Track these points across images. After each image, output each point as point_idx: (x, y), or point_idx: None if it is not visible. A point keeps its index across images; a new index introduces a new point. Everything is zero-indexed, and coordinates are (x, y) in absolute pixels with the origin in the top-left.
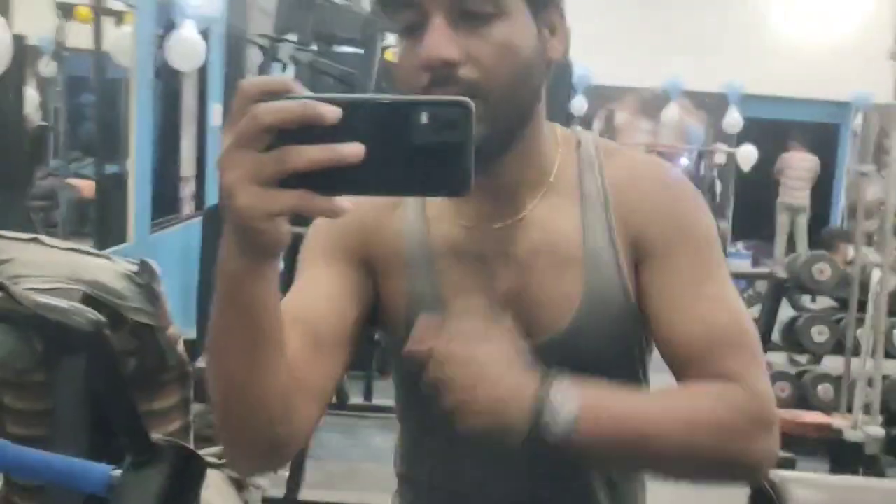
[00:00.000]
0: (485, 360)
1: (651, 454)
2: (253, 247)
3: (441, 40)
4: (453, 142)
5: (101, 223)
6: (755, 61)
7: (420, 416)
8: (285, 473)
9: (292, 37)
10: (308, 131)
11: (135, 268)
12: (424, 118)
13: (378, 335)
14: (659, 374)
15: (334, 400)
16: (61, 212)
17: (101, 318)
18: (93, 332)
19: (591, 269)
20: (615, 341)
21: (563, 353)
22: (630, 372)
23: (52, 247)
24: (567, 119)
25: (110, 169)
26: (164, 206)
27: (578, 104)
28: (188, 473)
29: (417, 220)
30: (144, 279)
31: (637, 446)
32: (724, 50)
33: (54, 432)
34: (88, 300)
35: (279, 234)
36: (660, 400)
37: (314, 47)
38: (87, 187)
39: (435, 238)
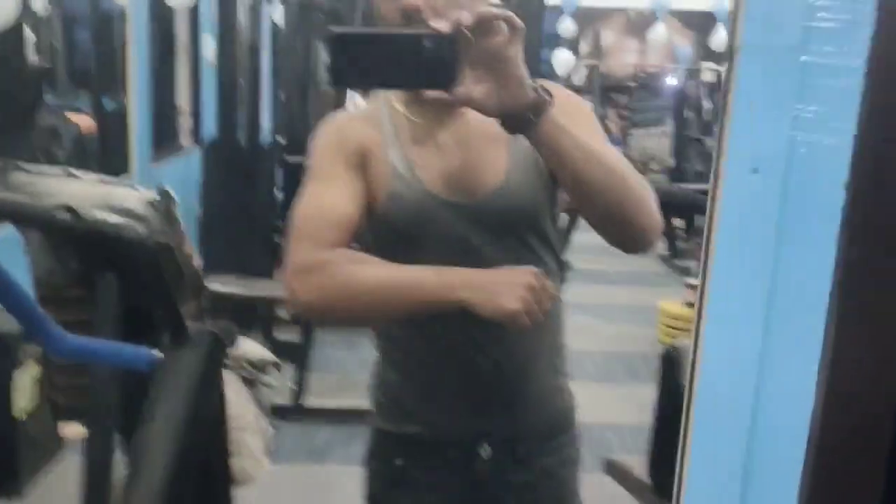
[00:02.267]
0: None
1: (595, 162)
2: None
3: None
4: (444, 58)
5: (103, 157)
6: None
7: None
8: (293, 385)
9: None
10: (365, 44)
11: (156, 195)
12: (427, 42)
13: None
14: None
15: None
16: (64, 147)
17: (149, 230)
18: (145, 240)
19: (513, 143)
20: (535, 194)
21: (498, 203)
22: (549, 221)
23: (83, 179)
24: (538, 58)
25: (109, 104)
26: (163, 138)
27: (566, 26)
28: (215, 355)
29: (392, 129)
30: (164, 205)
31: (586, 154)
32: None
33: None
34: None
35: None
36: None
37: None
38: (86, 122)
39: (404, 136)
